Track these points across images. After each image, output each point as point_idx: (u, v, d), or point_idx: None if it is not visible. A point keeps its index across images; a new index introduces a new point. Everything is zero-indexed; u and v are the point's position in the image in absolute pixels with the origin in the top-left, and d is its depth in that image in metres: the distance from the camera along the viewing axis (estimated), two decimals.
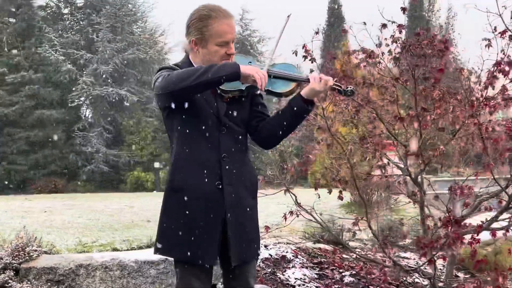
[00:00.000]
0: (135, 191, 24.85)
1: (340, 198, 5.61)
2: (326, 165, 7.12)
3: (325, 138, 5.86)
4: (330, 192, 5.66)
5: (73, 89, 27.56)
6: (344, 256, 7.09)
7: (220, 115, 2.76)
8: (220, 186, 2.72)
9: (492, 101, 4.93)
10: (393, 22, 5.10)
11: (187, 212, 2.69)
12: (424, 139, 5.38)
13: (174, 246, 2.72)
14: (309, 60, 5.15)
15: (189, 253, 2.68)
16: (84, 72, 27.57)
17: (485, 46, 4.98)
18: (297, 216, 5.54)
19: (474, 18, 4.90)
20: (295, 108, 2.77)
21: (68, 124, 28.19)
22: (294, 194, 5.52)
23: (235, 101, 2.80)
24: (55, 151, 27.21)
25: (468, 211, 5.48)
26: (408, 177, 5.66)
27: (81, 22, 29.35)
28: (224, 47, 2.72)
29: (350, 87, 2.91)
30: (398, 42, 5.06)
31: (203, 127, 2.72)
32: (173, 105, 2.65)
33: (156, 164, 26.37)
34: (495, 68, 4.85)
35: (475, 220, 5.34)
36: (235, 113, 2.79)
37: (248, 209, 2.81)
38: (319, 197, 5.51)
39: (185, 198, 2.69)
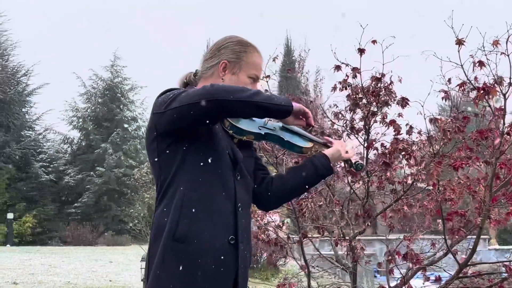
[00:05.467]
0: None
1: None
2: None
3: None
4: None
5: None
6: None
7: (238, 159, 2.32)
8: (233, 242, 2.24)
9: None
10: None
11: (193, 267, 2.17)
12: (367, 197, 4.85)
13: None
14: None
15: None
16: None
17: (442, 98, 4.59)
18: None
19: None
20: (318, 166, 2.44)
21: None
22: None
23: (244, 146, 2.42)
24: None
25: (407, 278, 5.03)
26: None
27: None
28: (252, 84, 2.39)
29: (361, 162, 2.62)
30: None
31: (220, 168, 2.25)
32: (193, 125, 2.17)
33: (9, 215, 24.09)
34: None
35: None
36: (247, 161, 2.41)
37: (247, 277, 2.39)
38: None
39: (191, 250, 2.16)
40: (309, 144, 2.48)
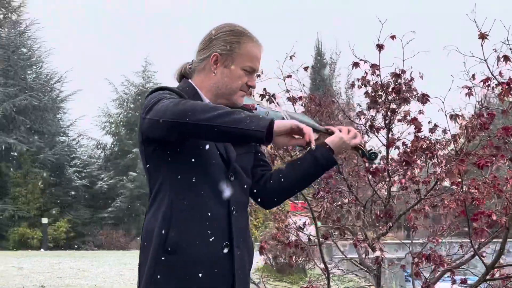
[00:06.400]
0: (19, 248, 22.86)
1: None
2: None
3: None
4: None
5: None
6: None
7: (231, 159, 2.15)
8: (228, 248, 2.10)
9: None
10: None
11: (186, 278, 2.04)
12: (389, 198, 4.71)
13: None
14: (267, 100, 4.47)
15: None
16: None
17: (466, 94, 4.43)
18: None
19: None
20: (318, 158, 2.24)
21: None
22: None
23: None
24: None
25: (433, 281, 4.87)
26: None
27: None
28: (248, 76, 2.22)
29: (374, 150, 2.43)
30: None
31: (210, 171, 2.10)
32: (172, 139, 2.01)
33: (44, 220, 24.52)
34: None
35: None
36: (244, 158, 2.23)
37: (248, 282, 2.22)
38: None
39: (183, 260, 2.03)
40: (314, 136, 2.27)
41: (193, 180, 2.06)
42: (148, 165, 2.14)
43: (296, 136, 1.96)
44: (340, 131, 2.27)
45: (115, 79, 35.95)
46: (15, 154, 26.78)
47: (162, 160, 2.08)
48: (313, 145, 1.94)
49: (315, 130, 2.30)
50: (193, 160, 2.06)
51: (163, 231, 2.03)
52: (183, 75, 2.28)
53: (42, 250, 22.25)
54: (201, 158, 2.07)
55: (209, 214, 2.06)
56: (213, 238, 2.05)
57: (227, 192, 2.11)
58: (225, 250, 2.07)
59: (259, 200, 2.35)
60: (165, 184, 2.08)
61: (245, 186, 2.22)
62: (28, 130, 27.00)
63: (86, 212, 26.89)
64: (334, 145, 2.25)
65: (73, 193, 27.33)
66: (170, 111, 1.90)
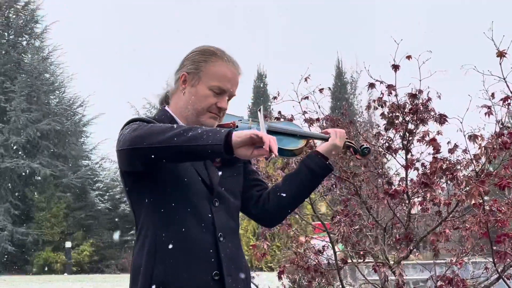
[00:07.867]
0: (42, 273, 22.94)
1: None
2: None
3: None
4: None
5: None
6: None
7: (214, 183, 2.10)
8: (218, 277, 2.02)
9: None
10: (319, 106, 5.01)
11: None
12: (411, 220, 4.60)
13: None
14: None
15: None
16: None
17: (485, 114, 4.33)
18: None
19: None
20: (313, 169, 2.24)
21: None
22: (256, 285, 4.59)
23: (228, 164, 2.18)
24: None
25: None
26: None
27: None
28: (217, 96, 2.12)
29: (366, 145, 2.42)
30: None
31: (191, 199, 2.03)
32: (140, 168, 1.97)
33: (68, 244, 24.61)
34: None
35: None
36: (231, 181, 2.17)
37: None
38: None
39: None
40: (300, 144, 2.28)
41: (176, 210, 2.00)
42: (130, 199, 2.09)
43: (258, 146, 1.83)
44: (334, 134, 2.29)
45: (137, 102, 36.29)
46: (39, 178, 27.02)
47: (142, 192, 2.03)
48: (274, 154, 1.80)
49: (307, 137, 2.31)
50: (173, 189, 2.01)
51: (149, 268, 1.97)
52: (163, 101, 2.23)
53: (65, 274, 22.32)
54: (181, 186, 2.02)
55: (195, 244, 2.00)
56: (200, 269, 1.99)
57: (212, 218, 2.05)
58: (215, 279, 2.00)
59: (261, 221, 2.33)
60: (148, 217, 2.02)
61: (233, 210, 2.16)
62: (52, 154, 27.24)
63: (109, 235, 26.95)
64: (326, 152, 2.26)
65: (96, 216, 27.42)
66: (127, 138, 1.88)
